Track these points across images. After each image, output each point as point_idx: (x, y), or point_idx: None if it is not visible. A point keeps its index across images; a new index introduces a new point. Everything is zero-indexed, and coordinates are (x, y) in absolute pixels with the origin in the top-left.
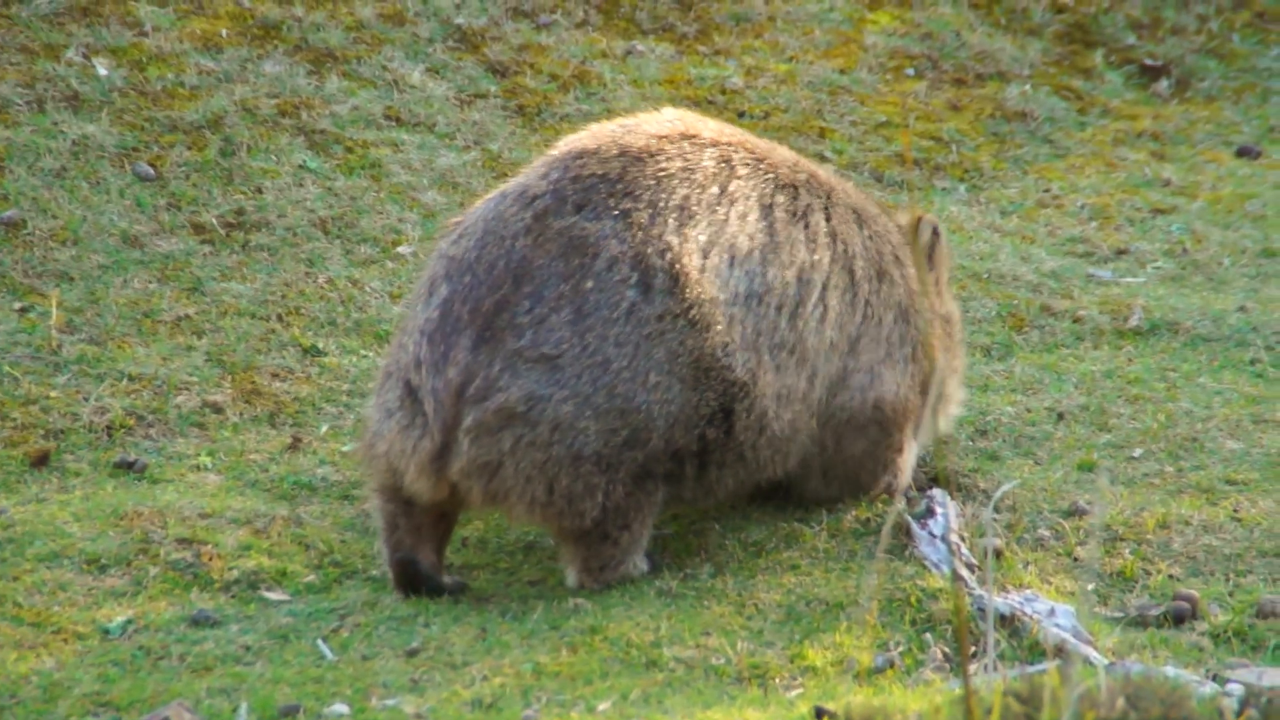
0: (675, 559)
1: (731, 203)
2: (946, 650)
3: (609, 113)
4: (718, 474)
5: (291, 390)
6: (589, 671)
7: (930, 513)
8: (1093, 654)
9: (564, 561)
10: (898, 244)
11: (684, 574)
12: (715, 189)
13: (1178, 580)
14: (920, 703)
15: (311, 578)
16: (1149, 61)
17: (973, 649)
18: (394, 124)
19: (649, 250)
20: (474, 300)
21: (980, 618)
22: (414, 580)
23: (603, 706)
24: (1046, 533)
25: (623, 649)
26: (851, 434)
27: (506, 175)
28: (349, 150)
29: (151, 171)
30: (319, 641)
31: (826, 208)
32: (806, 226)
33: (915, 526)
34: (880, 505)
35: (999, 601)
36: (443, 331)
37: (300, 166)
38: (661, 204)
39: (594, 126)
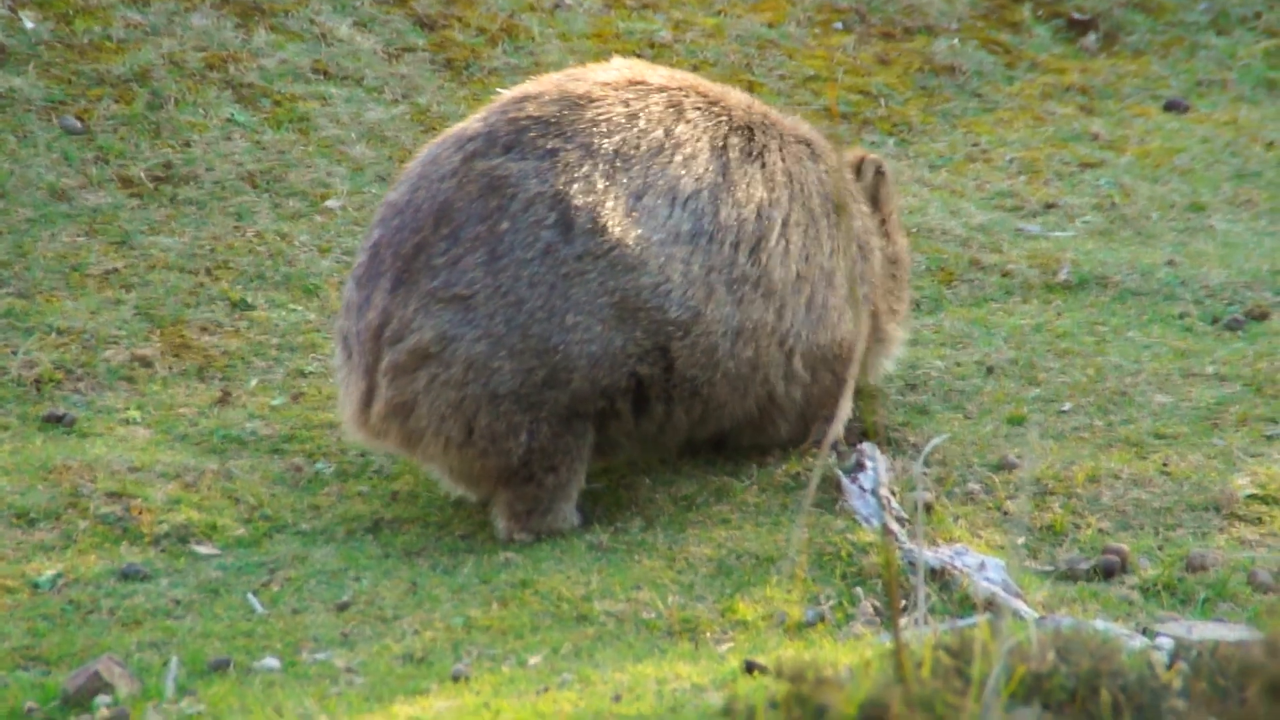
0: (606, 513)
1: (677, 145)
2: (877, 604)
3: (537, 66)
4: (665, 410)
5: (220, 344)
6: (519, 625)
7: (860, 467)
8: (1023, 608)
9: (492, 513)
10: (851, 180)
11: (614, 528)
12: (659, 133)
13: (1107, 534)
14: (851, 656)
15: (241, 531)
16: (1076, 15)
17: (903, 603)
18: (322, 77)
19: (572, 190)
20: (397, 243)
21: (910, 572)
22: None
23: (533, 660)
24: (976, 487)
25: (553, 603)
26: (823, 371)
27: (435, 129)
28: (277, 104)
29: (79, 125)
30: (249, 595)
31: (781, 147)
32: (763, 166)
33: (845, 480)
34: (810, 459)
35: (929, 555)
36: (368, 275)
37: (228, 120)
38: (594, 146)
39: (544, 76)
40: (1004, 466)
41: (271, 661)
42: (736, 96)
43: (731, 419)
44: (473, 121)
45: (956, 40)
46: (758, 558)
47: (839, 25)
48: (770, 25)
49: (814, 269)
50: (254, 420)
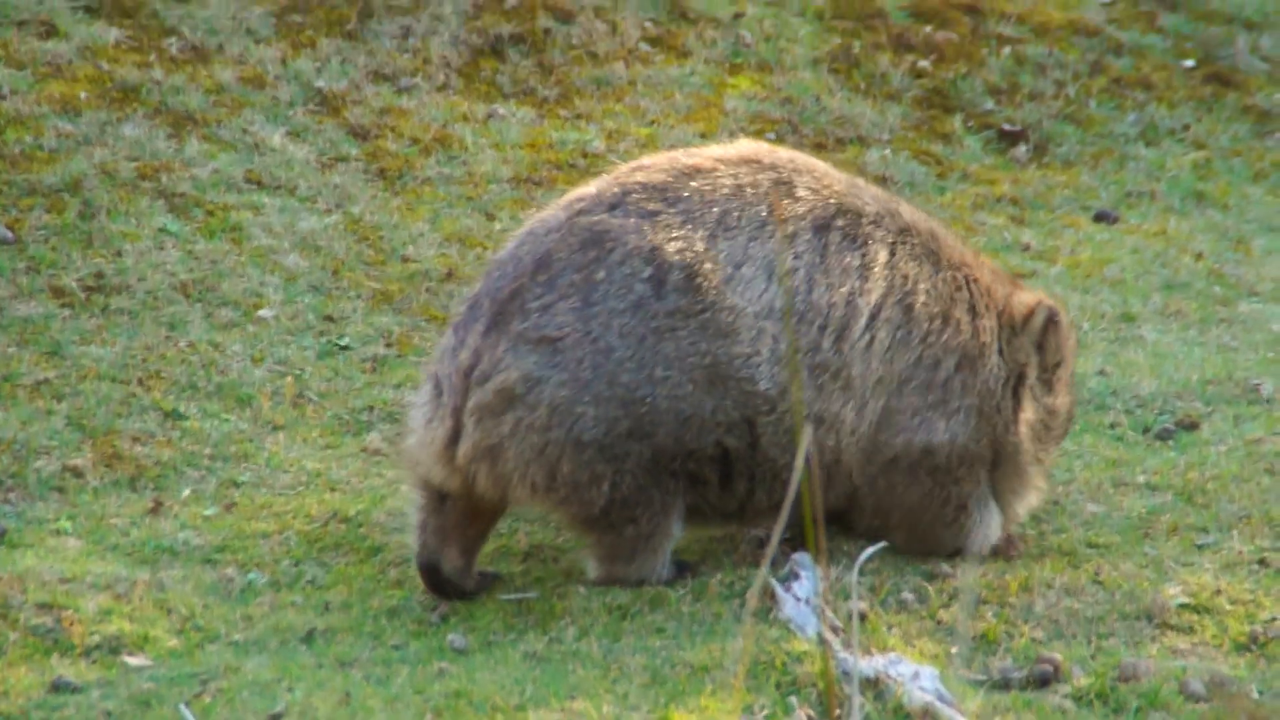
0: (540, 621)
1: (780, 221)
2: (811, 713)
3: (470, 176)
4: (747, 487)
5: (152, 454)
6: None
7: (794, 576)
8: (958, 717)
9: (584, 555)
10: (979, 297)
11: (549, 637)
12: (765, 208)
13: (1040, 643)
14: None
15: (174, 643)
16: (1007, 127)
17: (838, 712)
18: (255, 187)
19: (668, 248)
20: (495, 290)
21: (845, 681)
22: (438, 584)
23: None
24: (910, 595)
25: (488, 713)
26: (901, 477)
27: (368, 239)
28: (209, 213)
29: (10, 235)
30: (181, 707)
31: (893, 241)
32: (863, 255)
33: (780, 589)
34: (745, 569)
35: (863, 664)
36: (465, 321)
37: (160, 230)
38: (697, 213)
39: (664, 152)
40: (937, 575)
41: None
42: (860, 186)
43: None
44: (585, 187)
45: (888, 151)
46: (693, 667)
47: (771, 136)
48: (703, 135)
49: (894, 370)
50: (186, 530)
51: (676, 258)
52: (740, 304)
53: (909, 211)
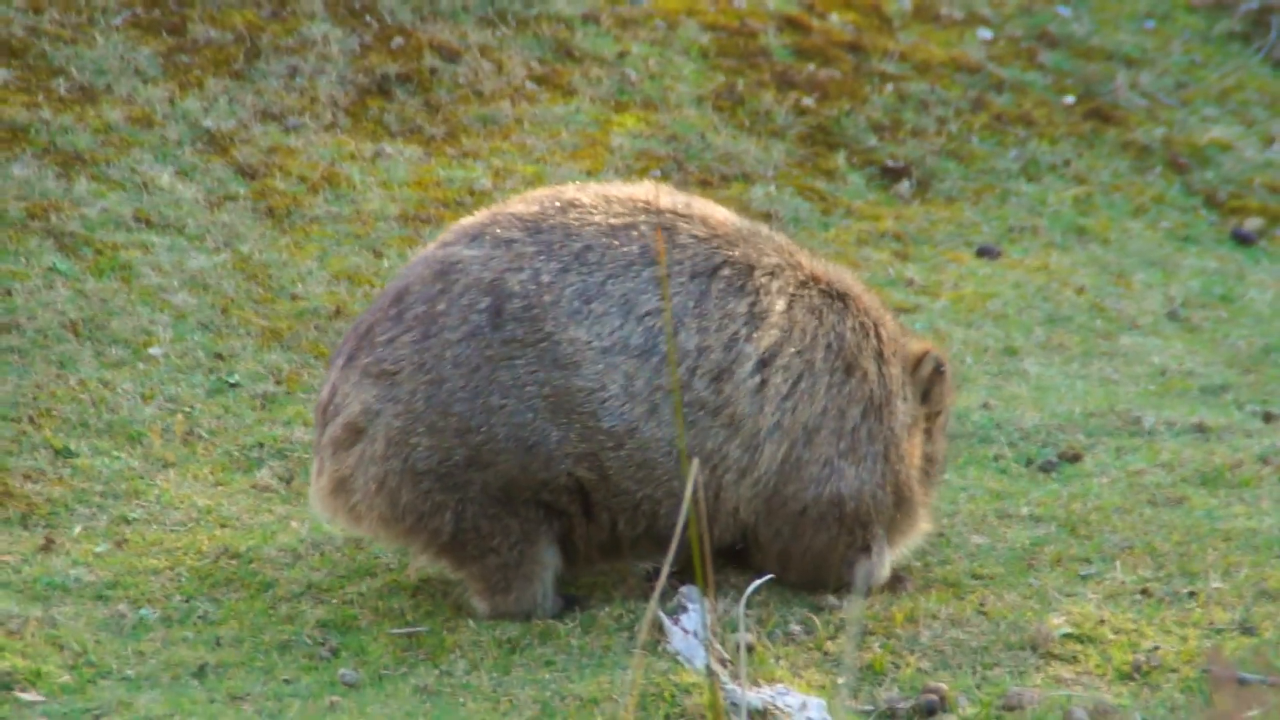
0: (430, 655)
1: (652, 263)
2: None
3: (358, 214)
4: (609, 519)
5: (43, 492)
6: None
7: (682, 608)
8: None
9: (467, 594)
10: (887, 344)
11: (439, 670)
12: (635, 248)
13: (926, 673)
14: None
15: (66, 678)
16: (890, 163)
17: None
18: (144, 226)
19: (510, 278)
20: (357, 325)
21: (734, 712)
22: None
23: None
24: (797, 627)
25: None
26: (810, 527)
27: (257, 277)
28: (99, 252)
29: None
30: None
31: (793, 292)
32: (753, 304)
33: (668, 622)
34: (634, 602)
35: (751, 696)
36: (332, 357)
37: (50, 269)
38: (557, 245)
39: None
40: (824, 608)
41: None
42: (763, 238)
43: (690, 546)
44: (470, 217)
45: (773, 187)
46: (583, 699)
47: (657, 173)
48: (589, 173)
49: (797, 421)
50: (78, 567)
51: (518, 287)
52: (584, 338)
53: (813, 261)
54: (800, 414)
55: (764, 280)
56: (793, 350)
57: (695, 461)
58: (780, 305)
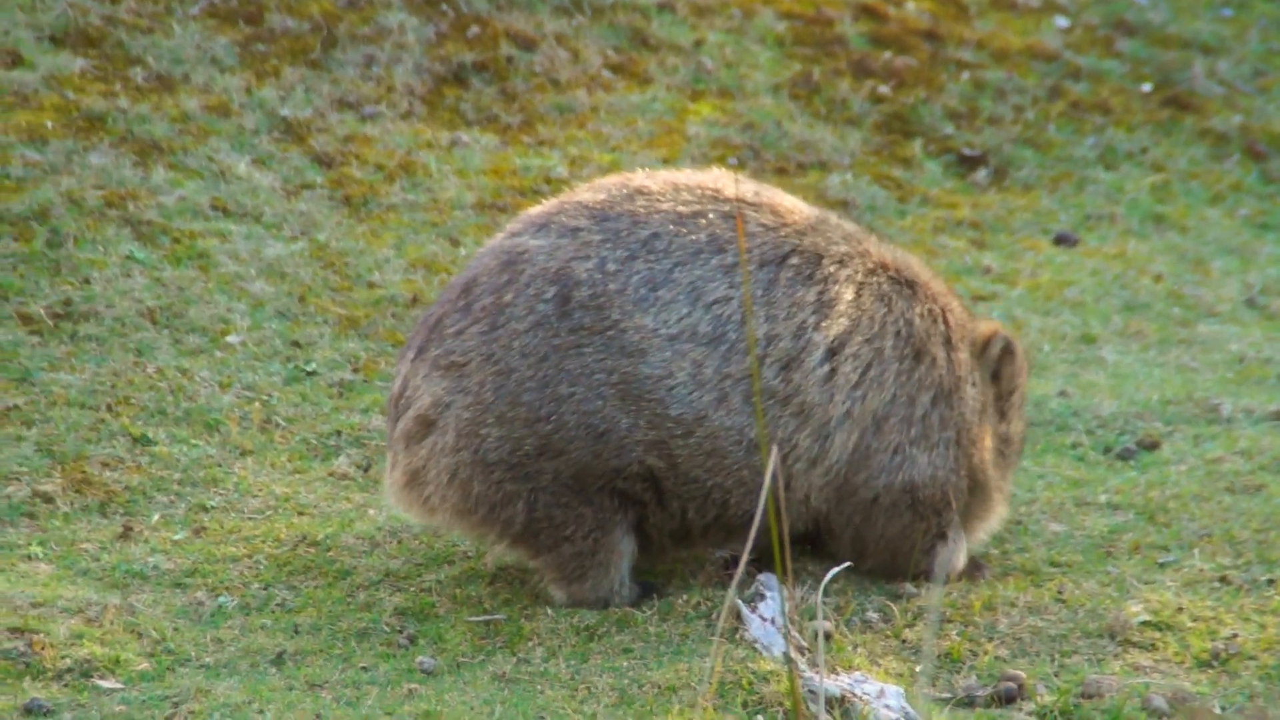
0: (508, 643)
1: (719, 251)
2: None
3: (435, 202)
4: (679, 507)
5: (122, 479)
6: None
7: (760, 596)
8: None
9: (544, 583)
10: (955, 330)
11: (517, 658)
12: (703, 236)
13: (1004, 661)
14: None
15: (144, 666)
16: (967, 151)
17: None
18: (221, 214)
19: (577, 267)
20: (428, 317)
21: (811, 700)
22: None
23: None
24: (874, 615)
25: None
26: (882, 514)
27: (334, 265)
28: (176, 241)
29: None
30: None
31: (860, 281)
32: (822, 292)
33: (745, 610)
34: (711, 589)
35: (829, 684)
36: (404, 350)
37: (127, 257)
38: (624, 233)
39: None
40: (902, 595)
41: None
42: (830, 225)
43: (767, 533)
44: (539, 205)
45: (849, 175)
46: (660, 687)
47: (733, 161)
48: (665, 161)
49: (867, 409)
50: (156, 555)
51: (584, 276)
52: (652, 325)
53: (881, 249)
54: (870, 402)
55: (833, 269)
56: (861, 338)
57: (774, 449)
58: (849, 294)
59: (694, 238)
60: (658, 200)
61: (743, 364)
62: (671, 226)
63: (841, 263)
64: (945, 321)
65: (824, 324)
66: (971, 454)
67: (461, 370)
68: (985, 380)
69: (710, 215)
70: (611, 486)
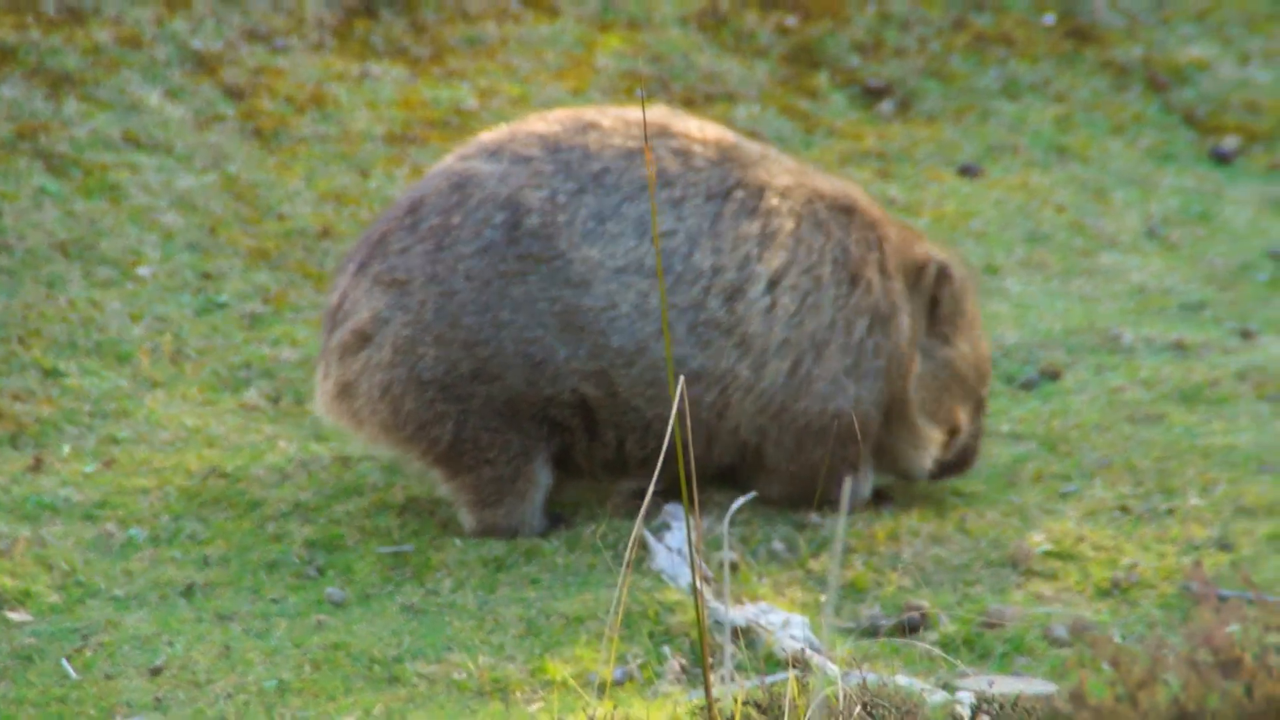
0: (416, 574)
1: (667, 185)
2: (684, 662)
3: (345, 134)
4: (616, 437)
5: (32, 411)
6: (332, 688)
7: (666, 527)
8: (828, 664)
9: (456, 507)
10: (890, 258)
11: (425, 589)
12: (652, 170)
13: (908, 591)
14: (661, 714)
15: (54, 598)
16: (872, 82)
17: (710, 661)
18: (132, 147)
19: (529, 197)
20: (370, 233)
21: (717, 630)
22: None
23: None
24: (780, 545)
25: (366, 665)
26: (809, 440)
27: (244, 197)
28: (87, 173)
29: None
30: (63, 661)
31: (800, 211)
32: (764, 225)
33: (652, 541)
34: (618, 520)
35: (735, 614)
36: (343, 264)
37: (39, 189)
38: (576, 165)
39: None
40: (807, 526)
41: None
42: (772, 160)
43: (698, 463)
44: (492, 132)
45: (756, 107)
46: (567, 617)
47: (640, 93)
48: (574, 93)
49: (805, 334)
50: (66, 487)
51: (535, 204)
52: (597, 257)
53: (820, 178)
54: (807, 326)
55: (775, 201)
56: (800, 269)
57: (681, 379)
58: (789, 225)
59: (642, 172)
60: (608, 135)
61: (687, 295)
62: (621, 162)
63: (784, 195)
64: (880, 249)
65: (766, 255)
66: (897, 384)
67: (404, 288)
68: (920, 308)
69: (660, 150)
70: (543, 414)
